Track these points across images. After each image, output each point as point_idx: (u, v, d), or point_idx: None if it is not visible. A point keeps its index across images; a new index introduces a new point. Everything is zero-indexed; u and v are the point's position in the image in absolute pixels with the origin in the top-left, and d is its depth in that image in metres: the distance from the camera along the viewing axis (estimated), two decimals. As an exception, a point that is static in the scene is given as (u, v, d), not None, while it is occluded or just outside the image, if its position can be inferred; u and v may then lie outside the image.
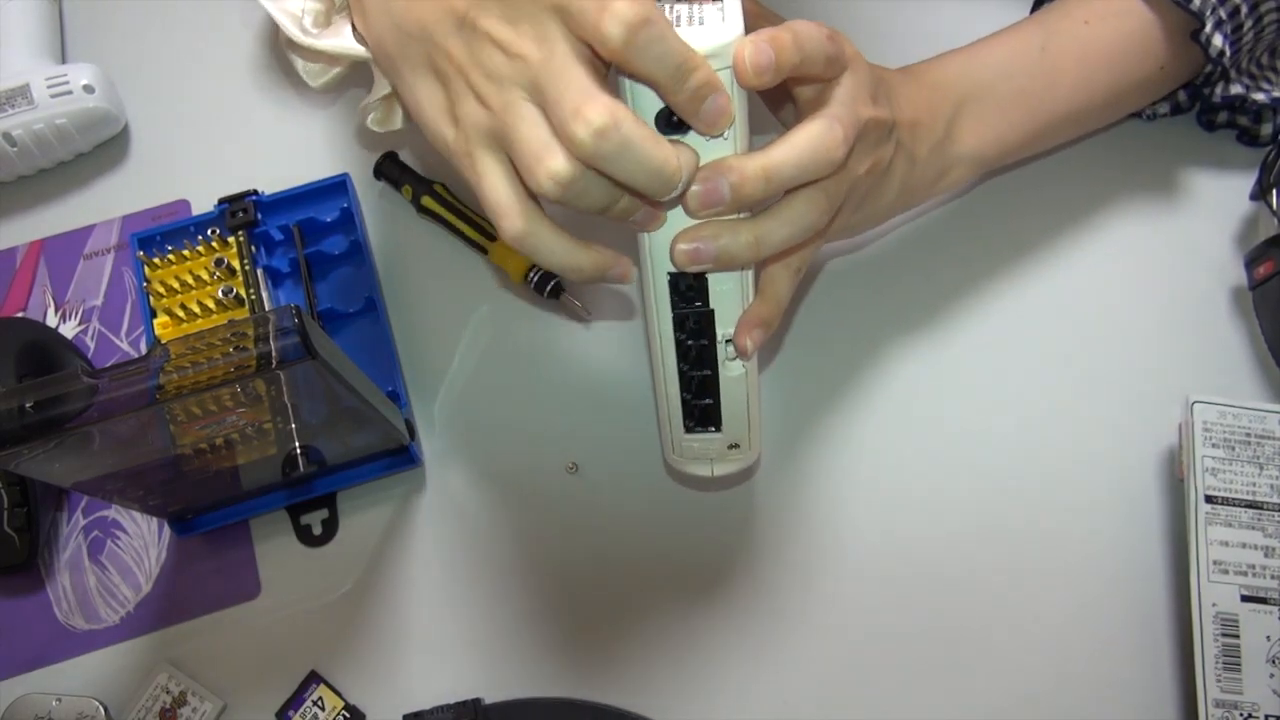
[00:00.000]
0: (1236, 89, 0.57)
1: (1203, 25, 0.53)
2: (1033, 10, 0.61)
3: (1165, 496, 0.55)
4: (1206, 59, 0.54)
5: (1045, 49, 0.54)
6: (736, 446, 0.49)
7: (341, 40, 0.47)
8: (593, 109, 0.36)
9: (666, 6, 0.39)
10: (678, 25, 0.38)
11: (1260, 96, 0.57)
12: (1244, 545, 0.52)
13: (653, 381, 0.48)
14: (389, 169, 0.62)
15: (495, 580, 0.56)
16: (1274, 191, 0.57)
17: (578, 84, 0.37)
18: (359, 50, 0.46)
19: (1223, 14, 0.53)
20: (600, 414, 0.58)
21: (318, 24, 0.49)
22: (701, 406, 0.47)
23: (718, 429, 0.48)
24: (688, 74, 0.37)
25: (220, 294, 0.57)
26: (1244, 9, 0.53)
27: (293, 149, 0.65)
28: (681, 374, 0.46)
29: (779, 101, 0.49)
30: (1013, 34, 0.55)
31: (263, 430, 0.48)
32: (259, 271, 0.58)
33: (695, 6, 0.39)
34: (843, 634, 0.54)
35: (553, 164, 0.38)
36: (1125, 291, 0.59)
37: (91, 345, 0.61)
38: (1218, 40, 0.53)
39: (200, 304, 0.56)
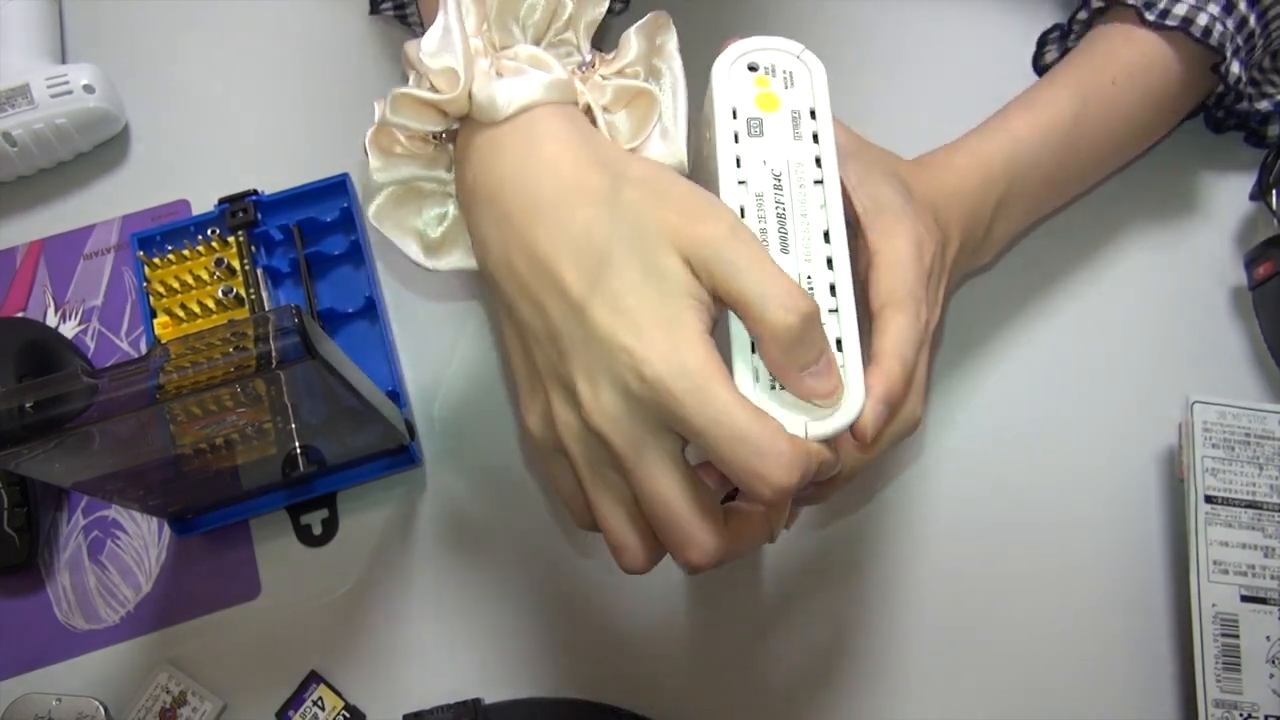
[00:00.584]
0: (1242, 105, 0.56)
1: (1224, 58, 0.52)
2: (1038, 48, 0.61)
3: (1165, 496, 0.55)
4: (1225, 87, 0.54)
5: (1078, 118, 0.51)
6: None
7: (457, 260, 0.44)
8: (697, 553, 0.36)
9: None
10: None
11: (1264, 105, 0.57)
12: (1244, 545, 0.52)
13: None
14: (389, 169, 0.62)
15: (495, 580, 0.56)
16: (1274, 192, 0.57)
17: (682, 515, 0.36)
18: (474, 266, 0.44)
19: (1240, 41, 0.52)
20: (600, 414, 0.58)
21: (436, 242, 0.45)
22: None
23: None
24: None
25: (220, 294, 0.57)
26: (1257, 31, 0.52)
27: (293, 149, 0.65)
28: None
29: None
30: (1047, 105, 0.52)
31: (263, 430, 0.48)
32: (259, 271, 0.58)
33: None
34: (841, 631, 0.54)
35: (632, 563, 0.38)
36: (1125, 292, 0.59)
37: (91, 345, 0.61)
38: (1235, 68, 0.52)
39: (200, 304, 0.56)
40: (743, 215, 0.38)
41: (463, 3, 0.40)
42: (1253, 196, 0.59)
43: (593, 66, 0.43)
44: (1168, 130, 0.58)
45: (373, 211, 0.43)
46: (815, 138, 0.40)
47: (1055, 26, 0.60)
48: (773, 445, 0.34)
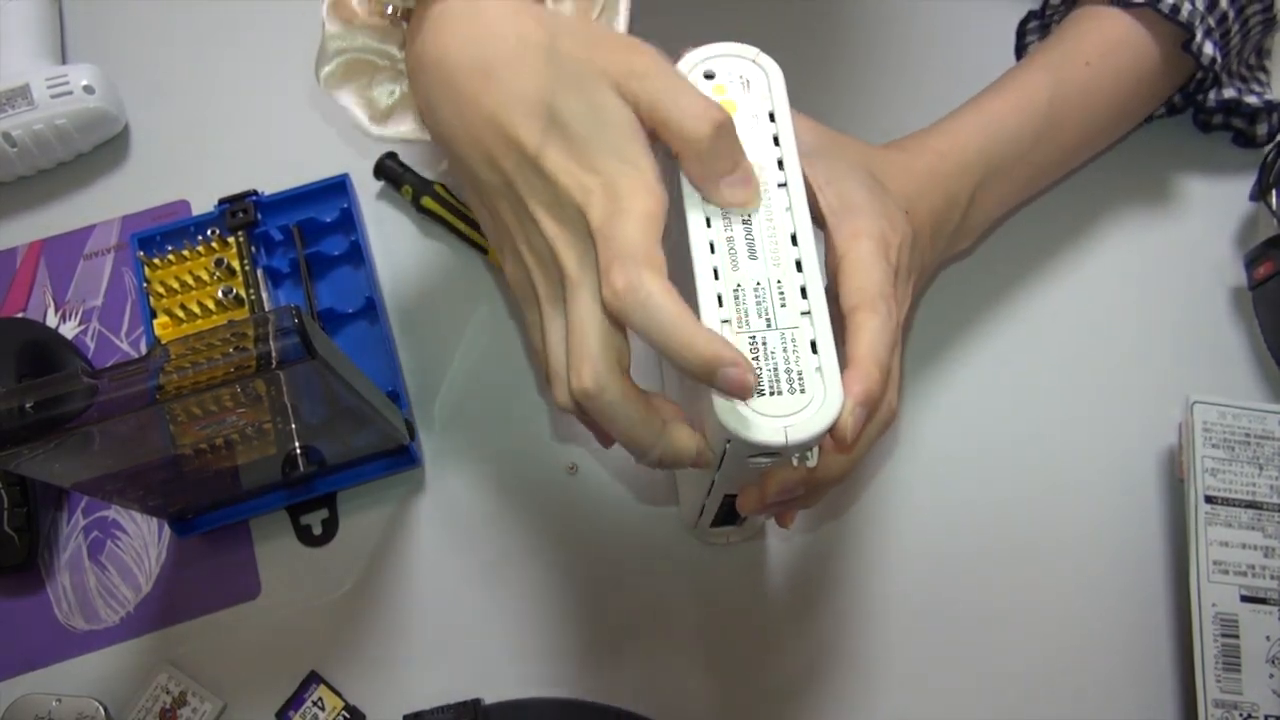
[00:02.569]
0: (1229, 92, 0.57)
1: (1193, 36, 0.52)
2: (1021, 25, 0.61)
3: (1165, 496, 0.55)
4: (1199, 67, 0.54)
5: (1052, 101, 0.52)
6: (755, 530, 0.54)
7: (404, 129, 0.46)
8: (589, 372, 0.37)
9: (752, 342, 0.37)
10: (773, 392, 0.36)
11: (1252, 99, 0.57)
12: (1244, 545, 0.52)
13: (680, 487, 0.51)
14: (389, 169, 0.62)
15: (495, 580, 0.56)
16: (1274, 192, 0.57)
17: (591, 334, 0.37)
18: (423, 136, 0.46)
19: (1211, 22, 0.53)
20: (600, 414, 0.58)
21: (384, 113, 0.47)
22: (730, 516, 0.49)
23: (739, 525, 0.51)
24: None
25: (220, 294, 0.57)
26: (1230, 14, 0.53)
27: (293, 149, 0.65)
28: (718, 511, 0.47)
29: None
30: (1023, 88, 0.53)
31: (263, 430, 0.48)
32: (259, 272, 0.58)
33: (789, 351, 0.37)
34: (839, 632, 0.54)
35: (562, 394, 0.39)
36: (1126, 292, 0.59)
37: (91, 345, 0.61)
38: (1208, 49, 0.53)
39: (200, 304, 0.56)
40: (708, 225, 0.38)
41: None
42: (1253, 196, 0.60)
43: None
44: (1147, 113, 0.58)
45: (324, 76, 0.45)
46: (776, 140, 0.40)
47: (1031, 15, 0.61)
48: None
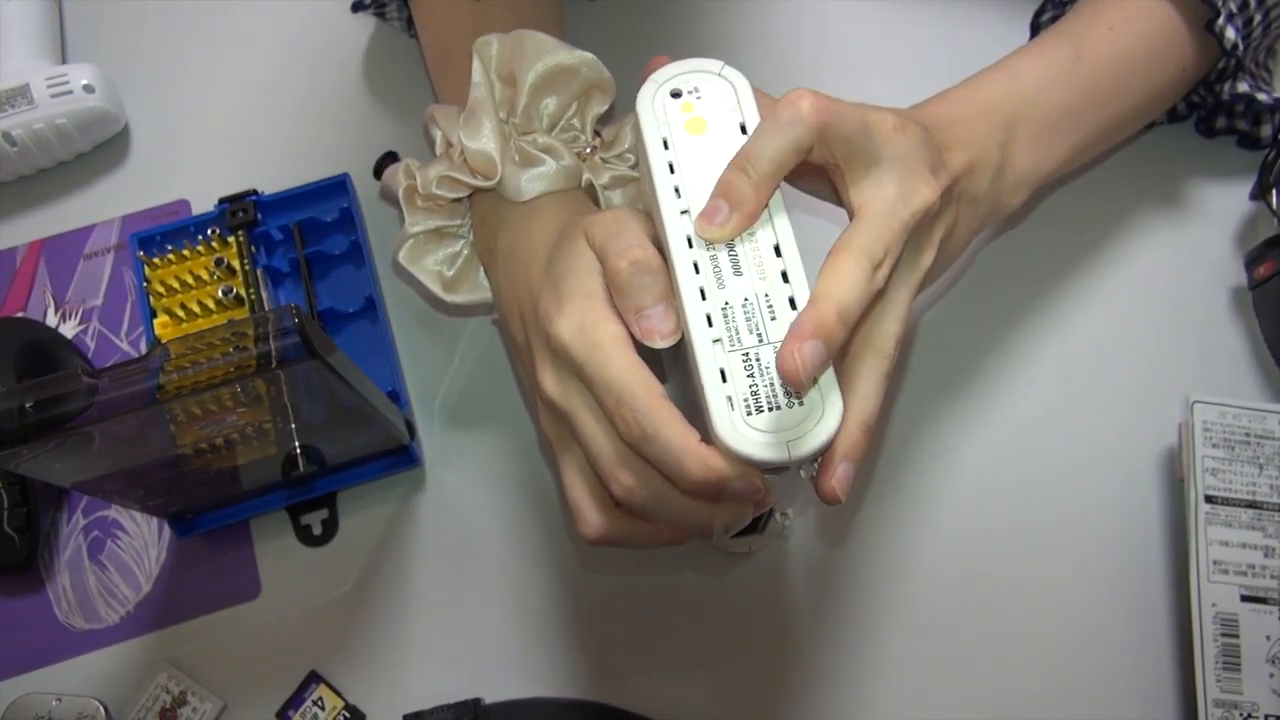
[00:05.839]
0: (1243, 86, 0.56)
1: (1217, 14, 0.52)
2: (1036, 16, 0.61)
3: (1165, 496, 0.55)
4: (1221, 51, 0.54)
5: (1079, 59, 0.52)
6: (776, 535, 0.54)
7: (474, 295, 0.54)
8: (589, 528, 0.42)
9: (745, 359, 0.37)
10: (771, 408, 0.36)
11: (1263, 97, 0.57)
12: (1244, 545, 0.52)
13: None
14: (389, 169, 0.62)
15: (495, 580, 0.56)
16: (1274, 191, 0.57)
17: (608, 459, 0.40)
18: (484, 298, 0.53)
19: (1233, 7, 0.53)
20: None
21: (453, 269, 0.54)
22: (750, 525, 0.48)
23: (760, 533, 0.52)
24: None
25: (220, 294, 0.57)
26: (1252, 3, 0.53)
27: (293, 149, 0.65)
28: None
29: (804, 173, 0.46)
30: (1044, 48, 0.53)
31: (263, 430, 0.48)
32: (259, 271, 0.58)
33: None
34: (840, 632, 0.54)
35: (585, 529, 0.42)
36: (1125, 292, 0.59)
37: (91, 345, 0.61)
38: (1230, 32, 0.53)
39: (200, 304, 0.56)
40: (690, 245, 0.39)
41: (495, 91, 0.50)
42: (1253, 196, 0.60)
43: (595, 150, 0.51)
44: (1176, 99, 0.57)
45: (404, 255, 0.53)
46: None
47: (1047, 3, 0.60)
48: (648, 400, 0.38)
